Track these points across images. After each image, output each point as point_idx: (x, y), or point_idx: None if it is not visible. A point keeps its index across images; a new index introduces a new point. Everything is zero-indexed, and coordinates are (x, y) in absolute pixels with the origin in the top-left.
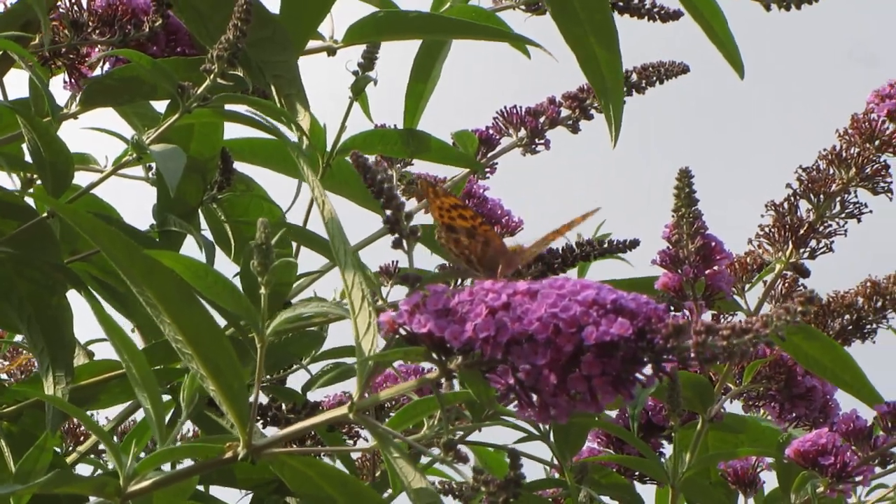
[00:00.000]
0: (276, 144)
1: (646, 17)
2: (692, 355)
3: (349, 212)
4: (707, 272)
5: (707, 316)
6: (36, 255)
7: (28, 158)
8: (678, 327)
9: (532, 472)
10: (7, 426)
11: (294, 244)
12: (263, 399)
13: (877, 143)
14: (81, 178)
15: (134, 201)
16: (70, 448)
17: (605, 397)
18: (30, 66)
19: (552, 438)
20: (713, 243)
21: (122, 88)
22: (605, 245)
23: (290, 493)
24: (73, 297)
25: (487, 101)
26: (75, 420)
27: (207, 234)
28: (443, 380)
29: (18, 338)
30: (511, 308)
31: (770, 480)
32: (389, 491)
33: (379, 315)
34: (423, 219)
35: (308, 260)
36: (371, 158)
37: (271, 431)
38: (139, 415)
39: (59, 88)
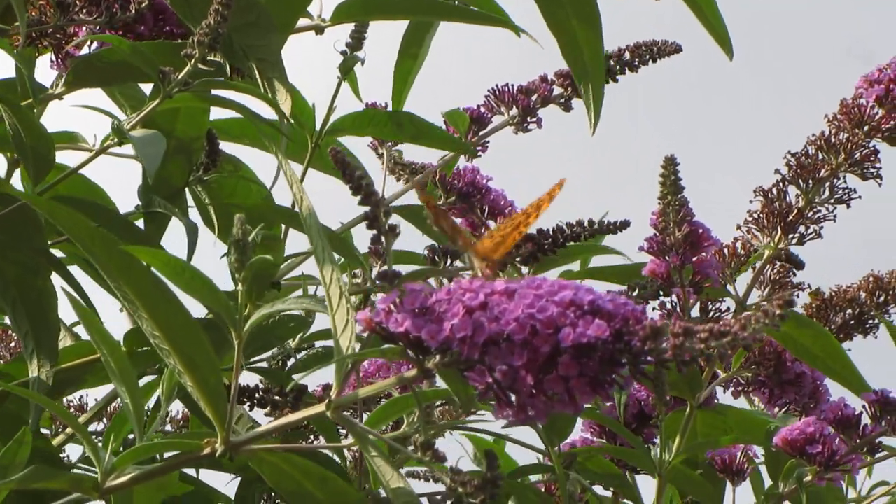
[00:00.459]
0: (259, 129)
1: None
2: (669, 357)
3: (339, 191)
4: (694, 259)
5: (695, 303)
6: (20, 239)
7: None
8: (656, 329)
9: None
10: None
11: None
12: (252, 381)
13: (866, 128)
14: (70, 157)
15: (123, 179)
16: (59, 430)
17: (583, 398)
18: (16, 47)
19: (540, 424)
20: (700, 230)
21: (110, 70)
22: (596, 226)
23: None
24: (59, 280)
25: (479, 79)
26: (65, 400)
27: (195, 213)
28: (421, 377)
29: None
30: (488, 308)
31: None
32: None
33: (357, 313)
34: (411, 198)
35: (296, 239)
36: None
37: (259, 414)
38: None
39: (45, 68)
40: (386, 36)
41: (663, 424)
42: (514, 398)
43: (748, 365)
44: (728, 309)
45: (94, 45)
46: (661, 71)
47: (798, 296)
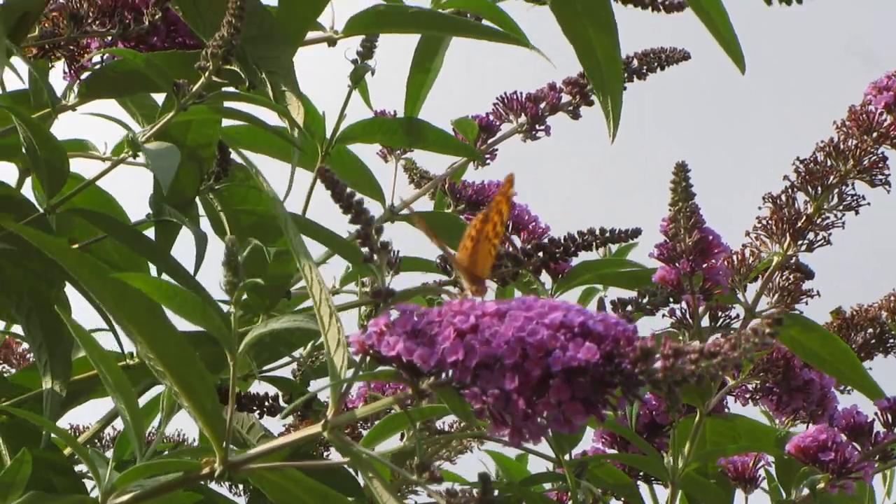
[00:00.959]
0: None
1: (649, 8)
2: (661, 378)
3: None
4: (704, 266)
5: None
6: (34, 249)
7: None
8: (646, 350)
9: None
10: (3, 419)
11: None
12: (264, 390)
13: (874, 135)
14: (81, 166)
15: (134, 186)
16: (77, 434)
17: (577, 418)
18: (32, 57)
19: (550, 432)
20: (710, 237)
21: (122, 81)
22: (608, 234)
23: None
24: (72, 291)
25: (487, 87)
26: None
27: (206, 221)
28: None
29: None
30: (479, 330)
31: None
32: None
33: (350, 335)
34: (424, 205)
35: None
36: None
37: (268, 421)
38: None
39: (58, 79)
40: (397, 47)
41: (676, 431)
42: (508, 418)
43: (757, 372)
44: (738, 316)
45: (107, 56)
46: (670, 78)
47: (807, 303)
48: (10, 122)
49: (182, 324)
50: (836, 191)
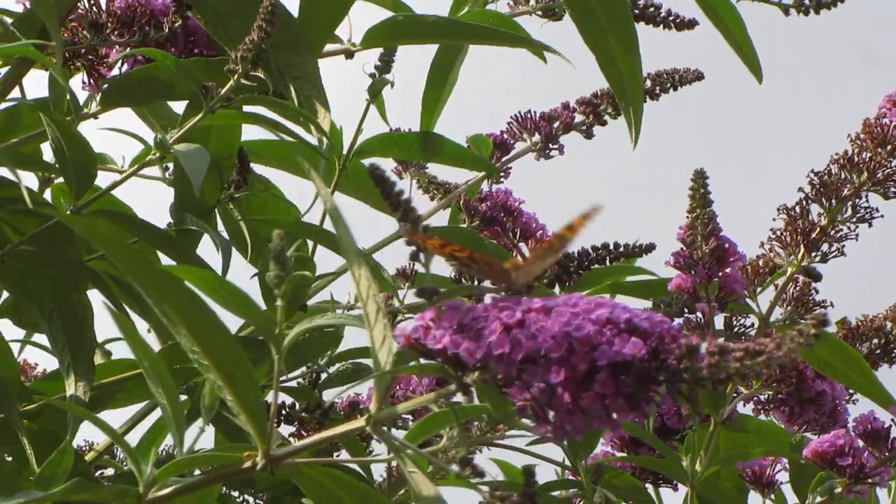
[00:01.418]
0: (293, 147)
1: (661, 26)
2: (706, 375)
3: (365, 214)
4: (721, 274)
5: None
6: (56, 253)
7: (46, 158)
8: (691, 347)
9: (545, 475)
10: (27, 424)
11: (310, 244)
12: (280, 399)
13: (888, 147)
14: (99, 179)
15: (149, 201)
16: (87, 447)
17: (620, 415)
18: (51, 66)
19: (565, 440)
20: (727, 245)
21: (141, 89)
22: (621, 249)
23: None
24: (92, 296)
25: (502, 102)
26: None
27: (224, 233)
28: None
29: (36, 337)
30: (526, 325)
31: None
32: None
33: (395, 328)
34: (440, 219)
35: (323, 259)
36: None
37: (285, 430)
38: (153, 416)
39: (77, 89)
40: (410, 61)
41: (695, 436)
42: (551, 415)
43: (770, 382)
44: (752, 325)
45: (125, 66)
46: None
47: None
48: (32, 129)
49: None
50: (850, 203)
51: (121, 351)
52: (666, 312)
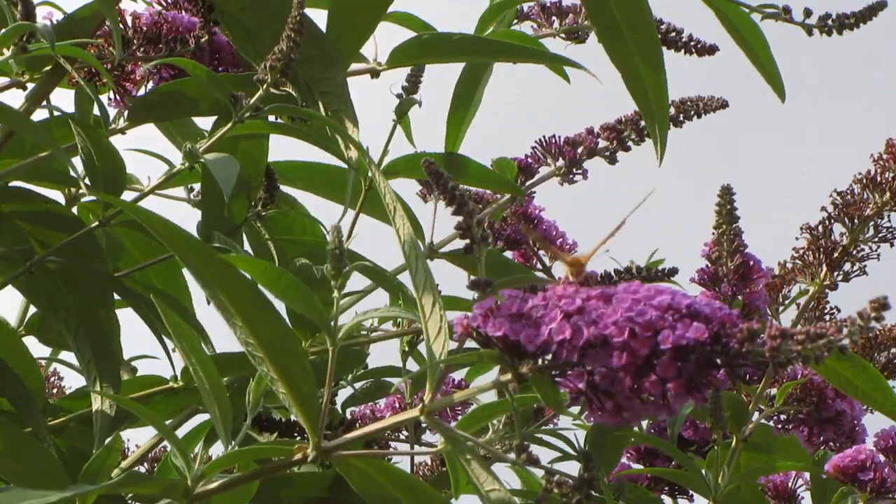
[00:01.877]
0: (319, 168)
1: (682, 50)
2: (767, 359)
3: (390, 235)
4: (745, 290)
5: None
6: (83, 266)
7: (73, 173)
8: (753, 331)
9: None
10: (53, 439)
11: None
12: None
13: None
14: (124, 198)
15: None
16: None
17: (678, 400)
18: (84, 78)
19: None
20: (752, 262)
21: (166, 104)
22: (644, 272)
23: None
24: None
25: (525, 125)
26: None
27: (250, 252)
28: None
29: (63, 355)
30: (586, 312)
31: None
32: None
33: (453, 319)
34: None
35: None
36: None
37: None
38: (179, 432)
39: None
40: (435, 83)
41: (718, 450)
42: (607, 402)
43: (790, 401)
44: None
45: (150, 83)
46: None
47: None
48: (60, 143)
49: None
50: (872, 223)
51: (147, 367)
52: None
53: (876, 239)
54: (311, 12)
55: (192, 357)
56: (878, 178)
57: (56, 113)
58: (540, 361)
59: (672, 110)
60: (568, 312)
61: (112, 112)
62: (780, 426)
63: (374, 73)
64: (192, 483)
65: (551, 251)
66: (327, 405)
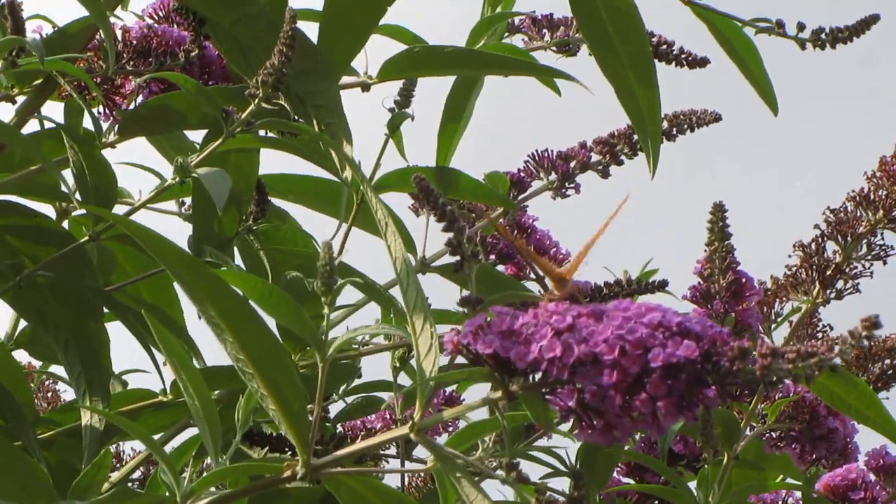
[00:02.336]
0: (311, 181)
1: (674, 63)
2: (757, 377)
3: (381, 249)
4: (737, 308)
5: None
6: (73, 280)
7: (63, 187)
8: (743, 350)
9: None
10: (44, 454)
11: None
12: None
13: None
14: (115, 211)
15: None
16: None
17: (668, 419)
18: (75, 90)
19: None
20: (744, 279)
21: (156, 118)
22: (634, 286)
23: None
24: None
25: (517, 139)
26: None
27: (241, 265)
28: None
29: (52, 368)
30: (576, 330)
31: None
32: None
33: (443, 335)
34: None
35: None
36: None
37: None
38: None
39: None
40: (426, 96)
41: (709, 469)
42: (596, 420)
43: (783, 418)
44: None
45: (140, 97)
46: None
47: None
48: (51, 157)
49: None
50: (865, 240)
51: (137, 381)
52: None
53: (869, 257)
54: (303, 25)
55: (181, 373)
56: (872, 196)
57: (48, 125)
58: (530, 379)
59: (665, 124)
60: (558, 330)
61: (103, 126)
62: (772, 443)
63: (365, 87)
64: (181, 500)
65: (538, 264)
66: (317, 421)
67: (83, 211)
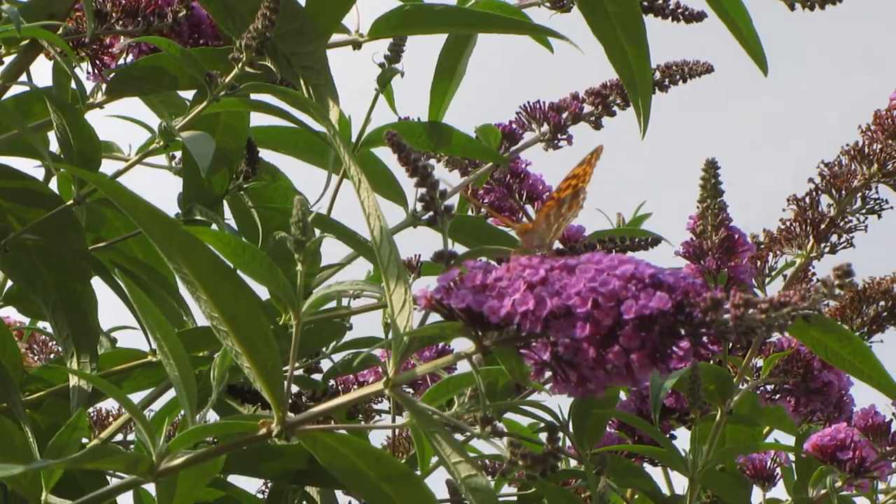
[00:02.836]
0: (303, 133)
1: (669, 18)
2: (731, 328)
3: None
4: (730, 264)
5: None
6: (61, 242)
7: (53, 148)
8: (716, 300)
9: None
10: (30, 414)
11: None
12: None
13: None
14: (105, 167)
15: (156, 191)
16: (91, 436)
17: (642, 371)
18: (60, 54)
19: (571, 428)
20: (736, 235)
21: (146, 79)
22: (627, 242)
23: (309, 482)
24: (97, 283)
25: (511, 94)
26: (96, 408)
27: (232, 224)
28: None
29: (41, 324)
30: (549, 283)
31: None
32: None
33: (416, 292)
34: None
35: (328, 252)
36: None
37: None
38: (157, 404)
39: (82, 79)
40: (419, 52)
41: (697, 429)
42: (570, 373)
43: (777, 373)
44: None
45: (130, 56)
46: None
47: (828, 305)
48: (39, 117)
49: None
50: (860, 194)
51: (126, 340)
52: None
53: (863, 211)
54: None
55: (159, 336)
56: (866, 150)
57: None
58: (504, 333)
59: (657, 75)
60: (531, 283)
61: (90, 86)
62: (766, 397)
63: (356, 45)
64: (157, 459)
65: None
66: (291, 379)
67: None
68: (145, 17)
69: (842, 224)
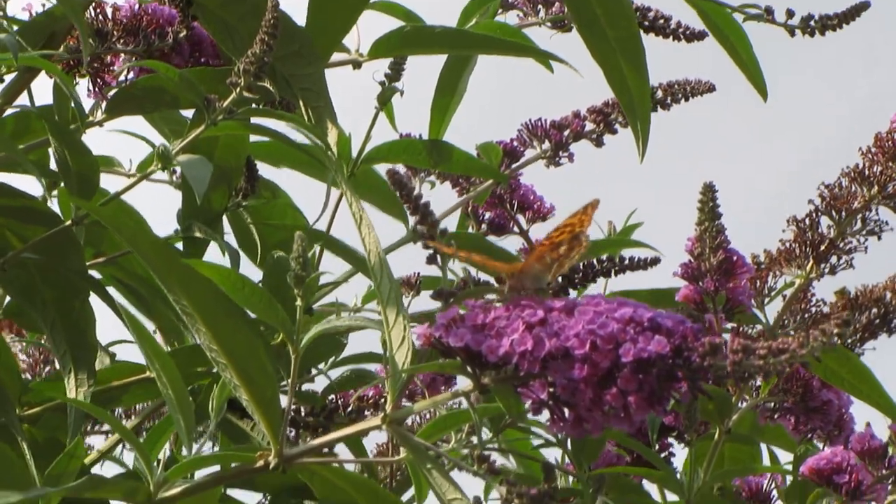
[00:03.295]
0: (302, 148)
1: (671, 37)
2: (729, 374)
3: (375, 216)
4: (728, 286)
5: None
6: (60, 261)
7: (53, 165)
8: (715, 346)
9: None
10: (28, 429)
11: (317, 249)
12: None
13: None
14: (106, 182)
15: (157, 203)
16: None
17: (639, 413)
18: (58, 77)
19: (569, 446)
20: (735, 257)
21: (146, 98)
22: (626, 262)
23: (308, 496)
24: (96, 299)
25: (511, 112)
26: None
27: (231, 239)
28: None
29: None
30: (548, 324)
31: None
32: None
33: (415, 328)
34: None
35: (328, 265)
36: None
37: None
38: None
39: (82, 96)
40: (420, 71)
41: (693, 450)
42: (567, 413)
43: (776, 391)
44: (760, 337)
45: (131, 74)
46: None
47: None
48: (40, 135)
49: None
50: (860, 216)
51: (125, 353)
52: None
53: (864, 232)
54: (290, 3)
55: (154, 361)
56: (867, 172)
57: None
58: (502, 372)
59: (659, 93)
60: (530, 324)
61: (90, 104)
62: (766, 415)
63: (356, 65)
64: (155, 488)
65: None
66: (289, 411)
67: None
68: (146, 36)
69: (842, 245)
